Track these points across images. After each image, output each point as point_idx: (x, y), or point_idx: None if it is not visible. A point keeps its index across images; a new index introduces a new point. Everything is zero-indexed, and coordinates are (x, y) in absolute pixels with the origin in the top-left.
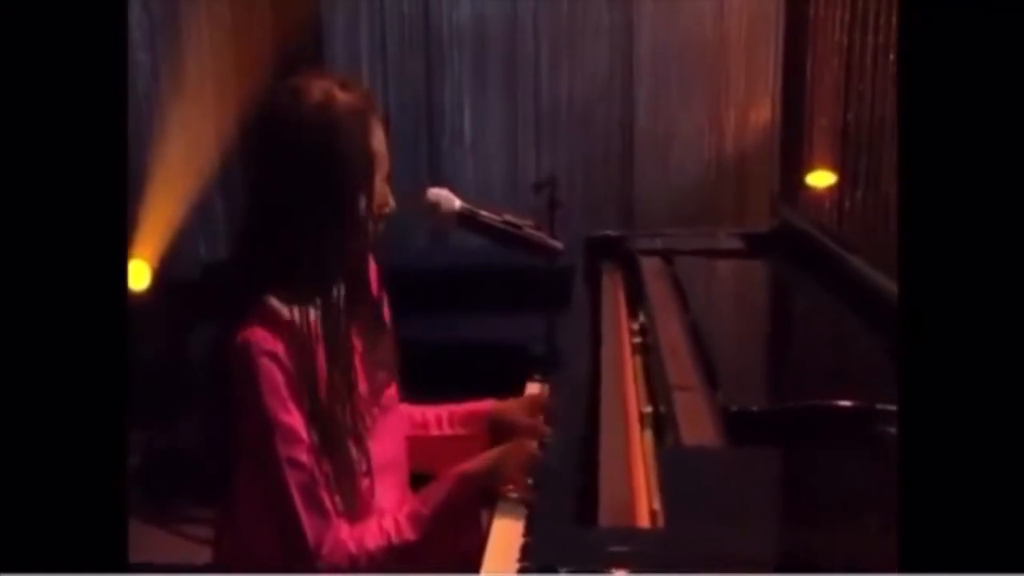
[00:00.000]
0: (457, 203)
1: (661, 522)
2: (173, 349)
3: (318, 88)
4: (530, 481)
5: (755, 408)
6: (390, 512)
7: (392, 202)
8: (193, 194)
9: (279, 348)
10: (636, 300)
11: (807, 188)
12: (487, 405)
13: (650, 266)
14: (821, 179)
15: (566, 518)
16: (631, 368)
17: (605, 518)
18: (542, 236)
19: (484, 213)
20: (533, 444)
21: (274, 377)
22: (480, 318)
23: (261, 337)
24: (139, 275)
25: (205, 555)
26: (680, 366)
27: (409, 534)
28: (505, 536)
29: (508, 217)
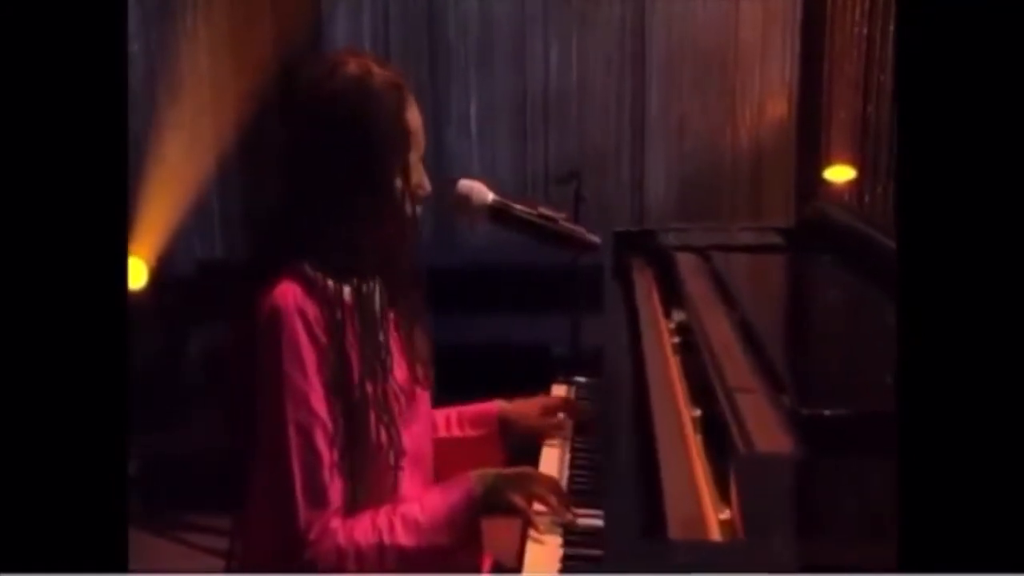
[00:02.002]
0: (490, 196)
1: (737, 533)
2: (170, 350)
3: (355, 63)
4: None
5: (827, 412)
6: (385, 511)
7: (428, 185)
8: (189, 190)
9: (310, 310)
10: (670, 298)
11: (826, 183)
12: (496, 405)
13: (686, 262)
14: (840, 174)
15: (633, 530)
16: (675, 369)
17: (675, 530)
18: (580, 230)
19: (518, 206)
20: (536, 473)
21: (300, 338)
22: (486, 319)
23: (293, 294)
24: (135, 273)
25: (203, 564)
26: (736, 367)
27: (402, 538)
28: (541, 548)
29: (543, 210)
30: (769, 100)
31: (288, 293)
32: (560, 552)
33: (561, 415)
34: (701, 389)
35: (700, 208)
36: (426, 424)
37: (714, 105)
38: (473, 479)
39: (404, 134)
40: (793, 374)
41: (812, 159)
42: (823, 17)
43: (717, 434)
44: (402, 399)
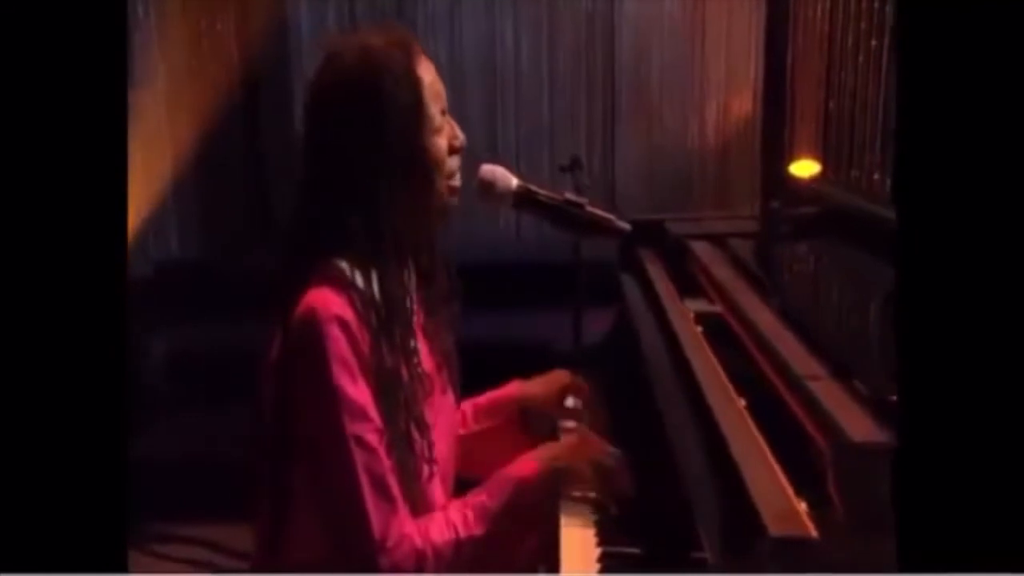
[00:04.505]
0: (514, 181)
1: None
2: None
3: (352, 40)
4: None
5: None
6: (455, 505)
7: (461, 135)
8: (143, 189)
9: (349, 315)
10: (683, 287)
11: (790, 177)
12: (512, 389)
13: (704, 251)
14: (805, 168)
15: (731, 526)
16: (715, 358)
17: (773, 526)
18: (609, 217)
19: (543, 192)
20: (598, 439)
21: (343, 346)
22: (486, 314)
23: (331, 301)
24: None
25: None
26: (793, 355)
27: (477, 528)
28: (576, 540)
29: (569, 196)
30: (735, 96)
31: (326, 301)
32: (597, 551)
33: (572, 400)
34: (747, 378)
35: (669, 201)
36: (451, 427)
37: (682, 100)
38: (536, 455)
39: (418, 86)
40: (858, 359)
41: (777, 154)
42: (786, 14)
43: (774, 424)
44: (433, 402)
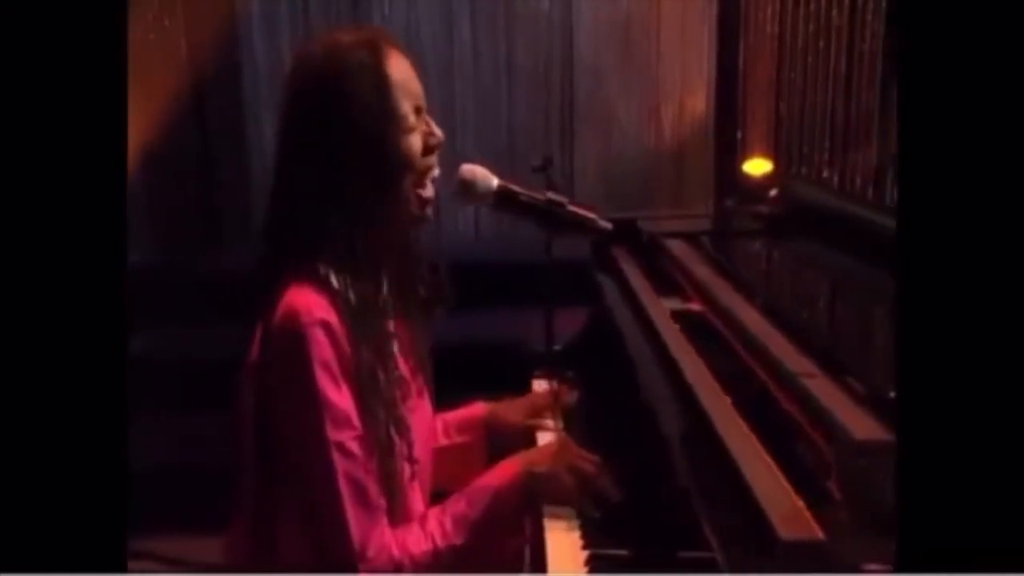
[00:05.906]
0: (495, 181)
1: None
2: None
3: (321, 39)
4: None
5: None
6: (433, 514)
7: (439, 132)
8: None
9: (332, 318)
10: (659, 286)
11: (744, 176)
12: (480, 409)
13: (680, 249)
14: (757, 167)
15: (736, 528)
16: (699, 357)
17: (783, 529)
18: (591, 216)
19: (523, 192)
20: (574, 445)
21: (326, 351)
22: (465, 315)
23: (313, 304)
24: None
25: None
26: (784, 352)
27: (455, 538)
28: (562, 543)
29: (551, 195)
30: (690, 96)
31: (308, 305)
32: (584, 553)
33: (546, 416)
34: (729, 376)
35: (627, 200)
36: (427, 432)
37: (638, 100)
38: (515, 461)
39: (385, 84)
40: (850, 356)
41: (730, 152)
42: (737, 16)
43: (767, 422)
44: (410, 404)
